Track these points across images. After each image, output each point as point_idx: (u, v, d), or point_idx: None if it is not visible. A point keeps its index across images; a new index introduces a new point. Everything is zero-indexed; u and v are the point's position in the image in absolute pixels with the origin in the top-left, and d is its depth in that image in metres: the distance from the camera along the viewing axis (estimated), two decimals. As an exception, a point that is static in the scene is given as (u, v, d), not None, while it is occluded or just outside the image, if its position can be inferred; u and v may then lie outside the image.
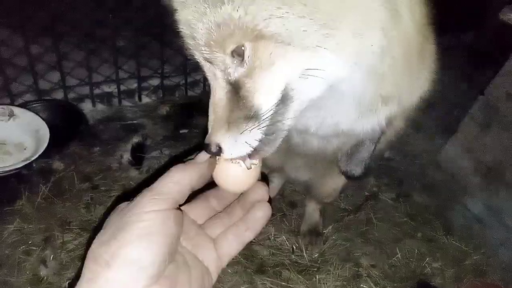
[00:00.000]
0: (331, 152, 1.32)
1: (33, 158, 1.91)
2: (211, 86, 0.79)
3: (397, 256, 1.99)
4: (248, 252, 1.90)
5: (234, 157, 0.74)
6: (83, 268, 0.58)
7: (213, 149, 0.72)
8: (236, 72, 0.75)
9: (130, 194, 0.64)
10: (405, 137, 2.58)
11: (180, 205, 0.64)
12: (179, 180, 0.63)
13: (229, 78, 0.76)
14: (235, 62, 0.75)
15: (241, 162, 0.72)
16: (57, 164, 2.14)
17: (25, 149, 2.05)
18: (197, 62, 0.81)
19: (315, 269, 1.89)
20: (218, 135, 0.74)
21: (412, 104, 1.11)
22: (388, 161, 2.46)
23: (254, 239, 2.00)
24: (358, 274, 1.90)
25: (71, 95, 2.39)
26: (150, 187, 0.62)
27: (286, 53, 0.74)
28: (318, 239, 2.01)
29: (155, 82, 2.57)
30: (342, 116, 1.01)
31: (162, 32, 2.35)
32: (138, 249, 0.56)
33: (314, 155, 1.35)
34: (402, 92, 0.99)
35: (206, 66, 0.79)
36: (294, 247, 1.98)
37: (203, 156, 0.68)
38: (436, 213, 2.20)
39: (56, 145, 2.09)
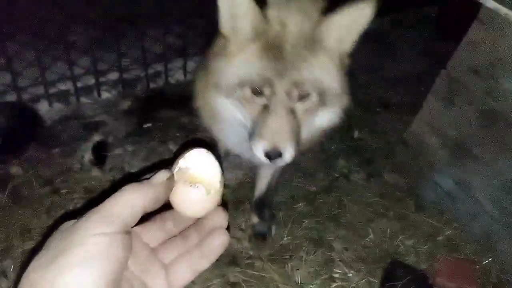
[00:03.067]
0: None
1: (-16, 165, 1.82)
2: (276, 107, 1.19)
3: (369, 237, 1.98)
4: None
5: (285, 162, 1.21)
6: None
7: (273, 155, 1.18)
8: (295, 104, 1.23)
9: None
10: (374, 116, 2.57)
11: (132, 227, 0.58)
12: (131, 201, 0.57)
13: (292, 108, 1.22)
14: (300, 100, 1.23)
15: (200, 186, 0.67)
16: (15, 169, 2.05)
17: (-23, 156, 1.95)
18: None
19: (288, 256, 1.87)
20: (284, 144, 1.18)
21: None
22: (357, 141, 2.44)
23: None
24: (331, 258, 1.88)
25: (25, 96, 2.29)
26: (98, 207, 0.56)
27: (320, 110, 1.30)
28: (265, 212, 1.97)
29: (114, 76, 2.47)
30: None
31: (116, 24, 2.25)
32: (80, 275, 0.50)
33: None
34: None
35: (282, 96, 1.20)
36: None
37: (160, 176, 0.62)
38: (407, 190, 2.20)
39: (12, 149, 2.01)
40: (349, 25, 1.19)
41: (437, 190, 2.08)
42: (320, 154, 2.34)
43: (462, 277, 1.80)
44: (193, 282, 1.70)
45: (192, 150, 0.72)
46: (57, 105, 2.37)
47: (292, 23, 1.22)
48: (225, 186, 2.10)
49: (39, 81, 2.27)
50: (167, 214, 0.69)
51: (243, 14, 1.18)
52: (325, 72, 1.24)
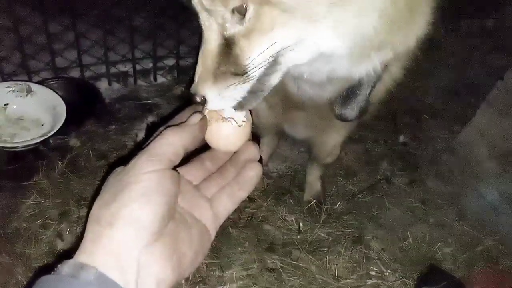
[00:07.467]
0: (327, 99, 1.33)
1: (50, 134, 1.95)
2: (204, 36, 0.80)
3: (408, 240, 1.98)
4: (259, 231, 1.92)
5: (217, 108, 0.77)
6: (85, 231, 0.60)
7: (198, 99, 0.76)
8: (233, 28, 0.77)
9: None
10: (421, 123, 2.57)
11: (176, 167, 0.66)
12: (172, 141, 0.65)
13: (225, 32, 0.78)
14: (235, 18, 0.76)
15: (232, 120, 0.74)
16: (74, 142, 2.17)
17: (42, 125, 2.08)
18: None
19: (325, 249, 1.91)
20: (203, 86, 0.78)
21: (407, 48, 1.09)
22: (403, 146, 2.44)
23: (265, 219, 2.01)
24: (368, 256, 1.90)
25: (87, 74, 2.42)
26: (145, 149, 0.64)
27: (287, 21, 0.77)
28: (319, 209, 2.03)
29: (171, 62, 2.57)
30: (335, 63, 1.01)
31: (179, 12, 2.35)
32: (138, 208, 0.58)
33: (312, 107, 1.38)
34: (395, 38, 0.99)
35: (203, 16, 0.79)
36: (301, 225, 1.99)
37: (194, 118, 0.70)
38: (450, 199, 2.18)
39: (72, 122, 2.12)
40: None
41: (480, 201, 2.07)
42: (363, 155, 2.37)
43: (500, 289, 1.80)
44: (233, 263, 1.79)
45: None
46: (116, 85, 2.50)
47: None
48: (269, 176, 2.18)
49: (102, 60, 2.39)
50: (205, 155, 0.77)
51: None
52: None
